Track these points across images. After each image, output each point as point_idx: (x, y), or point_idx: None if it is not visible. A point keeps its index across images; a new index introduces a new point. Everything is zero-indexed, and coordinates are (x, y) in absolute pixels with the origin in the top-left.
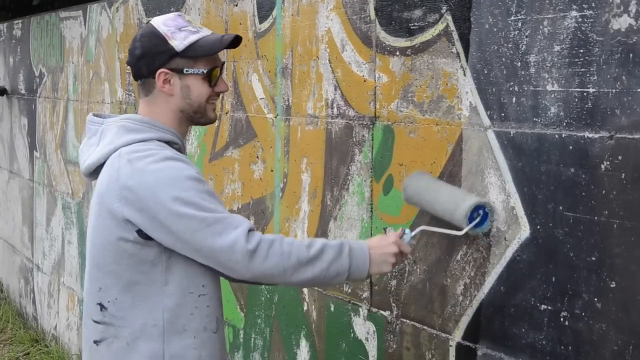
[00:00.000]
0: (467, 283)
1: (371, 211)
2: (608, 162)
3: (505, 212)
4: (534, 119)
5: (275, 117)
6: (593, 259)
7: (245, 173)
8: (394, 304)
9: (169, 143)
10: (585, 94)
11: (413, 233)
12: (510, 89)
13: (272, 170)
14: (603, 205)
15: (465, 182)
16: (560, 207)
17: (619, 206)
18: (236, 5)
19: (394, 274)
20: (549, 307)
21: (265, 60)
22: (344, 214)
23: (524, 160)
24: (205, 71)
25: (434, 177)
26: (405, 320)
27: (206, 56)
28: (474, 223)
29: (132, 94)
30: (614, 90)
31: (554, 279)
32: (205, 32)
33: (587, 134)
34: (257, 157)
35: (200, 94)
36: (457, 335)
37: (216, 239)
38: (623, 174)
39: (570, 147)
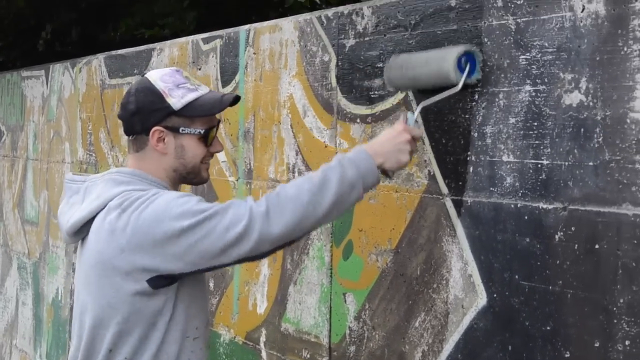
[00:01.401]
0: (425, 350)
1: (331, 276)
2: (562, 233)
3: (463, 279)
4: (491, 189)
5: (237, 180)
6: (548, 328)
7: None
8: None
9: None
10: (539, 165)
11: (415, 114)
12: (467, 158)
13: None
14: (557, 275)
15: (424, 249)
16: (516, 276)
17: (573, 276)
18: (199, 69)
19: (353, 339)
20: None
21: (228, 124)
22: (303, 278)
23: (480, 228)
24: (202, 131)
25: (410, 53)
26: None
27: (204, 117)
28: (465, 73)
29: (93, 154)
30: (566, 163)
31: (510, 347)
32: (203, 90)
33: (541, 205)
34: None
35: (195, 154)
36: None
37: (230, 230)
38: (576, 245)
39: (526, 217)
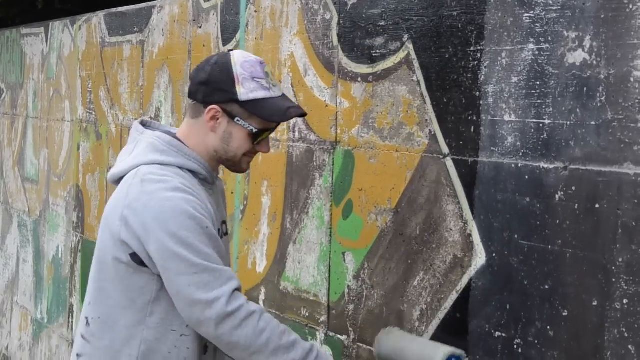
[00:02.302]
0: (424, 309)
1: (330, 235)
2: (562, 193)
3: (462, 239)
4: (492, 148)
5: None
6: (546, 287)
7: None
8: (351, 329)
9: (193, 172)
10: (541, 125)
11: None
12: (469, 118)
13: (232, 193)
14: (557, 234)
15: (424, 209)
16: (516, 236)
17: (572, 236)
18: (200, 27)
19: (352, 298)
20: (503, 334)
21: None
22: (303, 237)
23: (481, 188)
24: (255, 130)
25: (403, 332)
26: (361, 344)
27: (262, 119)
28: None
29: (93, 113)
30: (568, 122)
31: (508, 306)
32: (274, 93)
33: (542, 165)
34: None
35: (240, 146)
36: None
37: (199, 290)
38: (576, 204)
39: (526, 177)
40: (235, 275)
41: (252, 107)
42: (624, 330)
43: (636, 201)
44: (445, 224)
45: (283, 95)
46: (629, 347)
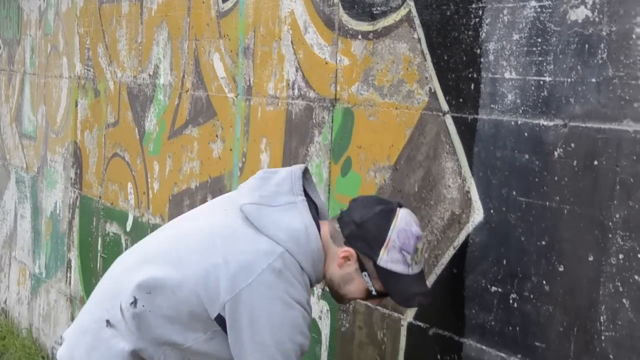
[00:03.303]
0: None
1: (329, 192)
2: (561, 150)
3: (461, 196)
4: (492, 106)
5: (236, 96)
6: (543, 243)
7: (204, 151)
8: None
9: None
10: (541, 82)
11: None
12: (469, 75)
13: (231, 150)
14: (555, 191)
15: (423, 166)
16: (514, 192)
17: (570, 193)
18: None
19: None
20: (499, 290)
21: (227, 40)
22: None
23: (480, 145)
24: (375, 292)
25: None
26: (360, 300)
27: (386, 291)
28: None
29: (91, 69)
30: (569, 80)
31: (504, 262)
32: (413, 271)
33: (542, 122)
34: (217, 136)
35: (352, 293)
36: (409, 316)
37: None
38: (575, 162)
39: (526, 134)
40: None
41: (384, 276)
42: (619, 284)
43: (635, 158)
44: (443, 181)
45: (420, 273)
46: (624, 300)
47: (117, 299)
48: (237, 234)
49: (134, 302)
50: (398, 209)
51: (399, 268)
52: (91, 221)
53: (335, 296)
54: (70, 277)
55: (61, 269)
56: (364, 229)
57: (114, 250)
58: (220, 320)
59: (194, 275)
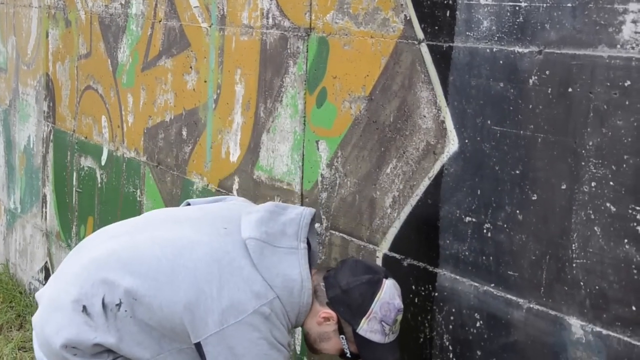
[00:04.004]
0: (396, 196)
1: (304, 124)
2: (536, 77)
3: (436, 126)
4: (467, 33)
5: (210, 26)
6: (517, 172)
7: (178, 83)
8: (323, 216)
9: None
10: (517, 7)
11: None
12: (445, 2)
13: (205, 81)
14: (529, 119)
15: (398, 96)
16: (489, 122)
17: (544, 121)
18: None
19: (324, 186)
20: (473, 219)
21: None
22: (277, 126)
23: (455, 74)
24: (349, 353)
25: None
26: (334, 232)
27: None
28: None
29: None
30: (544, 5)
31: (479, 192)
32: (389, 339)
33: (517, 49)
34: (191, 67)
35: (327, 349)
36: (385, 247)
37: None
38: (550, 89)
39: (501, 62)
40: None
41: (361, 342)
42: (591, 212)
43: (609, 84)
44: (418, 110)
45: (395, 341)
46: (595, 228)
47: (99, 290)
48: (234, 265)
49: (119, 305)
50: (384, 280)
51: (376, 337)
52: (65, 155)
53: (309, 347)
54: (45, 212)
55: (36, 204)
56: (348, 296)
57: (89, 184)
58: (199, 348)
59: (185, 298)
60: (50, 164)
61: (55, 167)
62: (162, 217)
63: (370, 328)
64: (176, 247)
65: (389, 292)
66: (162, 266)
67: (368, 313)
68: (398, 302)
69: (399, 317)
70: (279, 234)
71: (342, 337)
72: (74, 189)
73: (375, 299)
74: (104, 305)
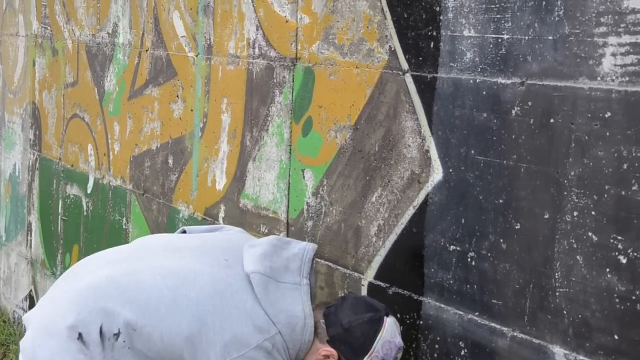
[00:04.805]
0: (381, 224)
1: (290, 152)
2: (518, 108)
3: (420, 155)
4: (451, 64)
5: (196, 55)
6: (500, 201)
7: (164, 112)
8: (316, 245)
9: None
10: (499, 40)
11: None
12: (429, 33)
13: (192, 110)
14: (512, 149)
15: (383, 125)
16: (472, 151)
17: (527, 151)
18: None
19: (310, 215)
20: (458, 248)
21: None
22: (262, 154)
23: (439, 104)
24: None
25: None
26: (319, 260)
27: None
28: None
29: (48, 27)
30: (526, 37)
31: (463, 220)
32: None
33: (500, 80)
34: (177, 96)
35: None
36: (370, 275)
37: None
38: (532, 119)
39: (484, 93)
40: None
41: None
42: (573, 241)
43: (589, 115)
44: (403, 140)
45: None
46: (577, 257)
47: (97, 318)
48: (237, 298)
49: (117, 335)
50: (385, 318)
51: None
52: (51, 183)
53: None
54: (30, 240)
55: (21, 232)
56: (350, 334)
57: (74, 212)
58: None
59: (187, 330)
60: (36, 192)
61: (41, 195)
62: (160, 244)
63: None
64: (178, 277)
65: (390, 330)
66: (163, 296)
67: (370, 352)
68: (399, 340)
69: (399, 355)
70: (283, 269)
71: None
72: (60, 217)
73: (377, 337)
74: (101, 334)
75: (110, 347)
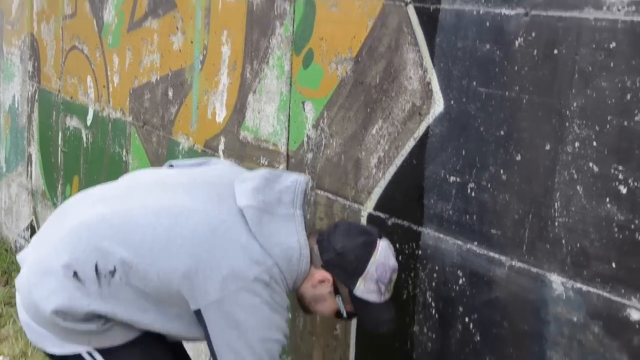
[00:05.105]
0: (381, 156)
1: (290, 85)
2: (522, 39)
3: (422, 87)
4: None
5: None
6: (502, 133)
7: (164, 44)
8: (309, 176)
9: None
10: None
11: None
12: None
13: (192, 42)
14: (514, 81)
15: (384, 57)
16: (474, 83)
17: (529, 82)
18: None
19: (310, 147)
20: (458, 179)
21: None
22: (263, 87)
23: (442, 36)
24: (347, 314)
25: None
26: (319, 191)
27: (357, 316)
28: None
29: None
30: None
31: (463, 152)
32: (384, 298)
33: (504, 11)
34: (177, 28)
35: (322, 312)
36: (369, 206)
37: None
38: (535, 51)
39: (487, 24)
40: None
41: (357, 303)
42: (574, 172)
43: (594, 46)
44: (405, 72)
45: (390, 300)
46: (577, 187)
47: (91, 256)
48: (232, 233)
49: (113, 272)
50: (378, 240)
51: (372, 297)
52: (51, 115)
53: (303, 309)
54: (31, 171)
55: (22, 163)
56: (344, 258)
57: (74, 144)
58: (199, 314)
59: (183, 267)
60: (36, 124)
61: (41, 127)
62: (151, 180)
63: (366, 289)
64: (171, 214)
65: (384, 253)
66: (157, 235)
67: (364, 274)
68: (393, 262)
69: (394, 277)
70: (276, 202)
71: (338, 298)
72: (60, 148)
73: (371, 260)
74: (97, 271)
75: (106, 284)
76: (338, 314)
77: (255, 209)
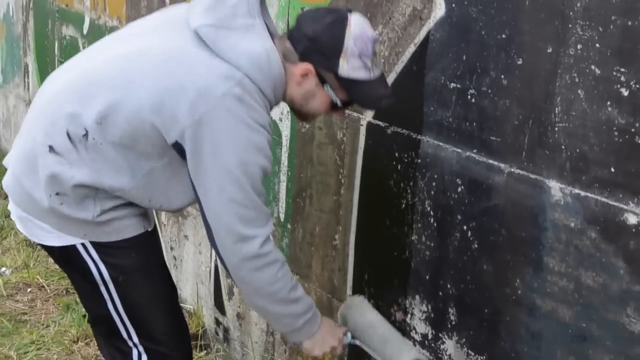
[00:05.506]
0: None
1: None
2: None
3: None
4: None
5: None
6: (503, 36)
7: None
8: None
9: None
10: None
11: (353, 341)
12: None
13: None
14: None
15: None
16: None
17: None
18: None
19: None
20: (458, 85)
21: None
22: None
23: None
24: (340, 102)
25: (371, 312)
26: None
27: (353, 100)
28: None
29: None
30: None
31: (464, 57)
32: (374, 74)
33: None
34: None
35: (317, 108)
36: (369, 115)
37: (242, 223)
38: None
39: None
40: (271, 218)
41: (347, 85)
42: (575, 75)
43: None
44: None
45: (382, 75)
46: (579, 91)
47: (60, 125)
48: (192, 56)
49: (86, 135)
50: (348, 14)
51: (361, 74)
52: (46, 24)
53: (299, 115)
54: (28, 82)
55: (19, 74)
56: (318, 42)
57: (71, 53)
58: (178, 147)
59: (149, 102)
60: (31, 33)
61: (37, 36)
62: (112, 38)
63: (351, 66)
64: (129, 57)
65: (359, 25)
66: (116, 79)
67: (344, 51)
68: (371, 32)
69: (377, 48)
70: (231, 16)
71: (327, 87)
72: (57, 58)
73: (346, 35)
74: (70, 139)
75: (84, 149)
76: (333, 105)
77: (209, 27)
